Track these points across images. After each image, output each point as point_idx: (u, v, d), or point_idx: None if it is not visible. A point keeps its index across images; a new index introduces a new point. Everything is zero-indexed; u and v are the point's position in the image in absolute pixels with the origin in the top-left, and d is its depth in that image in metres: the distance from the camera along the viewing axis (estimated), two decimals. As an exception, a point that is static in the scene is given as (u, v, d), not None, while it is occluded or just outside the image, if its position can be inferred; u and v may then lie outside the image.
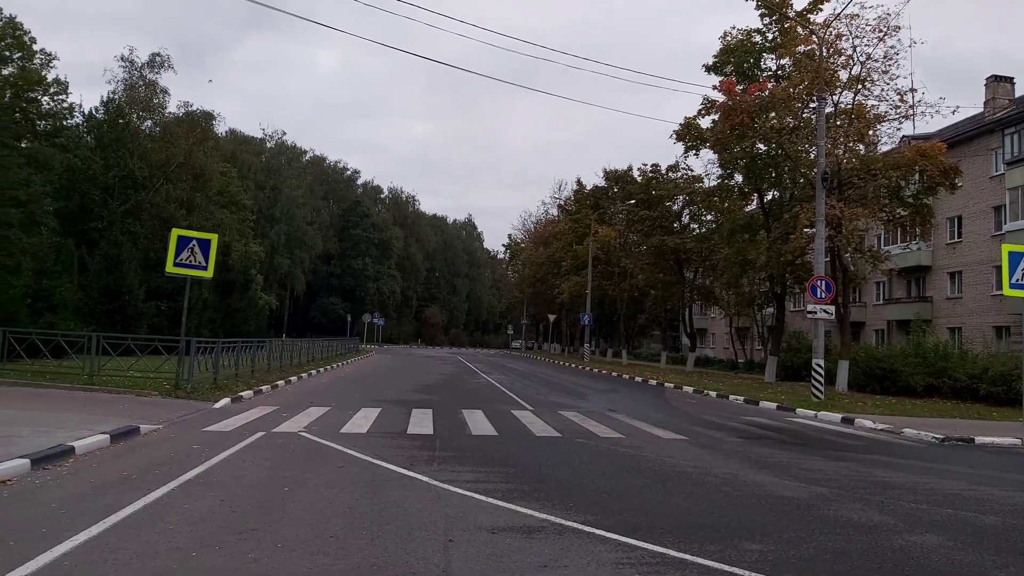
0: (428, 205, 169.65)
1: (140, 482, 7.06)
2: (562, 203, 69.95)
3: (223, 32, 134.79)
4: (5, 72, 50.16)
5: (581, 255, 51.48)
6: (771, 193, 34.11)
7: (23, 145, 48.23)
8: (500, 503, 6.87)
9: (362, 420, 12.71)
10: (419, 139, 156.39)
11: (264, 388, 17.61)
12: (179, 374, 15.64)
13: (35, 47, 53.60)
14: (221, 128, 61.91)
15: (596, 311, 53.27)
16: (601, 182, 58.47)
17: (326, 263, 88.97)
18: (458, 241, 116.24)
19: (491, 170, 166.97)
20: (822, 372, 20.84)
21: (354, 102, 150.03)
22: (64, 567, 4.60)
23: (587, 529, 6.07)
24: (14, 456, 7.35)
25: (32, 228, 42.17)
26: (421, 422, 12.89)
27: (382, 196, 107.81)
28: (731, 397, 22.36)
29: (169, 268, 15.57)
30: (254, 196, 68.90)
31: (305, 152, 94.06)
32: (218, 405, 13.99)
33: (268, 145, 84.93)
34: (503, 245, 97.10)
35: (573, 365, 44.95)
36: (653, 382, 28.97)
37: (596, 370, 38.63)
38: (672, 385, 27.11)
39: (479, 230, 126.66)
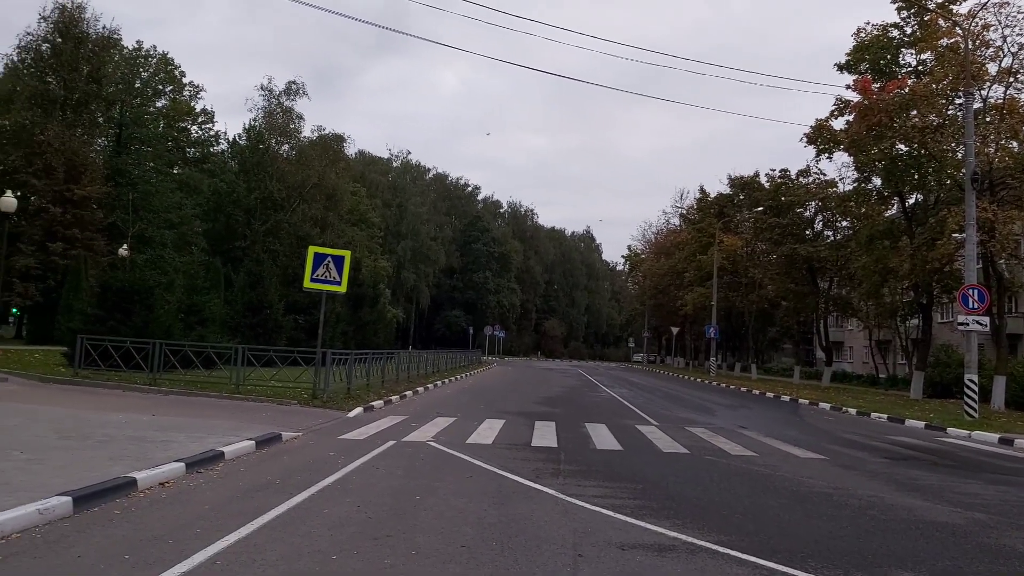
0: (546, 218, 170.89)
1: (283, 487, 7.43)
2: (684, 212, 68.40)
3: (353, 58, 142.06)
4: (159, 104, 55.03)
5: (705, 265, 50.08)
6: (914, 196, 31.95)
7: (175, 171, 52.68)
8: (629, 519, 6.72)
9: (487, 431, 12.86)
10: (537, 152, 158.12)
11: (393, 398, 18.19)
12: (316, 384, 16.43)
13: (184, 80, 58.57)
14: (351, 150, 65.22)
15: (722, 323, 51.62)
16: (725, 189, 56.76)
17: (449, 277, 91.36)
18: (576, 253, 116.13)
19: (609, 181, 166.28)
20: (976, 388, 19.18)
21: (475, 119, 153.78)
22: (217, 566, 4.88)
23: (722, 550, 5.82)
24: (171, 460, 7.94)
25: (184, 248, 45.92)
26: (545, 435, 12.88)
27: (501, 210, 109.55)
28: (873, 414, 20.99)
29: (307, 284, 16.42)
30: (382, 214, 71.86)
31: (429, 170, 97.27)
32: (352, 414, 14.57)
33: (394, 164, 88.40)
34: (622, 256, 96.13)
35: (698, 380, 43.69)
36: (786, 398, 27.67)
37: (723, 385, 37.36)
38: (807, 401, 25.79)
39: (597, 242, 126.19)
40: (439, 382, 26.43)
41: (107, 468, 7.24)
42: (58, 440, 8.86)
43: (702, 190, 61.32)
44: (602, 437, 13.04)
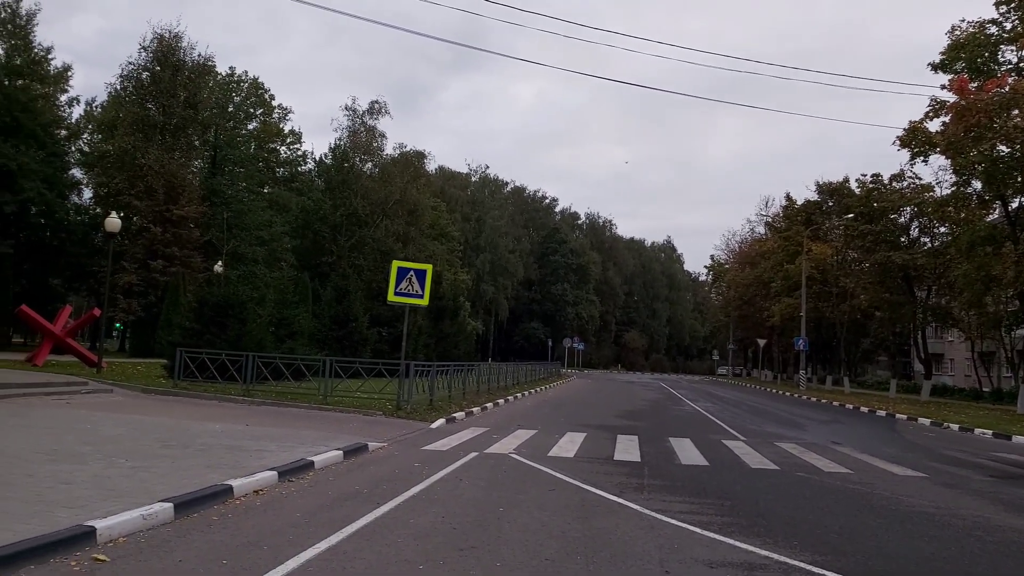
0: (625, 228, 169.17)
1: (370, 496, 7.58)
2: (770, 220, 66.61)
3: (432, 76, 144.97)
4: (250, 127, 57.59)
5: (793, 275, 48.50)
6: (1017, 200, 30.12)
7: (266, 190, 54.92)
8: (717, 536, 6.54)
9: (568, 444, 12.78)
10: (615, 163, 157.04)
11: (475, 410, 18.33)
12: (400, 396, 16.73)
13: (274, 103, 61.14)
14: (431, 166, 66.51)
15: (812, 335, 49.79)
16: (813, 196, 54.96)
17: (527, 289, 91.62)
18: (657, 264, 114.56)
19: (690, 190, 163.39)
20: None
21: (552, 131, 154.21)
22: (310, 572, 5.01)
23: (816, 571, 5.59)
24: (264, 468, 8.22)
25: (274, 263, 47.70)
26: (627, 448, 12.70)
27: (579, 222, 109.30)
28: (976, 430, 19.80)
29: (391, 297, 16.78)
30: (461, 227, 72.87)
31: (506, 184, 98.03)
32: (434, 425, 14.76)
33: (473, 179, 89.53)
34: (705, 267, 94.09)
35: (787, 393, 42.23)
36: (882, 413, 26.42)
37: (814, 399, 35.98)
38: (904, 416, 24.55)
39: (678, 252, 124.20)
40: (519, 394, 26.48)
41: (205, 476, 7.56)
42: (160, 449, 9.32)
43: (788, 197, 59.57)
44: (687, 452, 12.76)
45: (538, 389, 31.58)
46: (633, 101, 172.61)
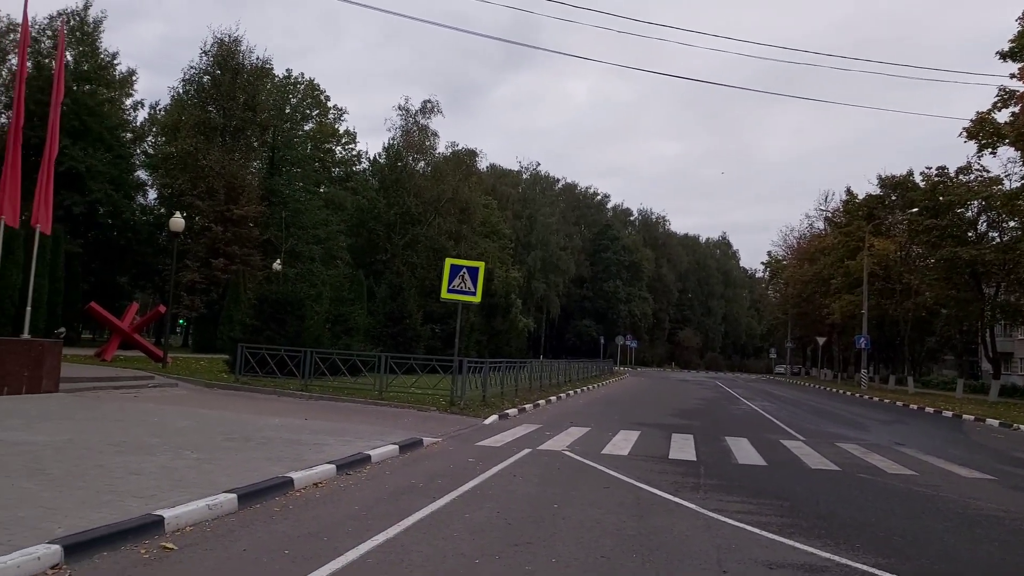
0: (679, 224, 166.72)
1: (426, 490, 7.67)
2: (829, 215, 64.80)
3: (484, 74, 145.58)
4: (307, 128, 58.77)
5: (854, 271, 47.16)
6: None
7: (321, 190, 55.99)
8: (776, 537, 6.42)
9: (622, 442, 12.70)
10: (669, 158, 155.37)
11: (527, 407, 18.36)
12: (453, 391, 16.88)
13: (329, 104, 62.26)
14: (483, 164, 66.84)
15: (874, 333, 48.33)
16: (875, 190, 53.26)
17: (579, 286, 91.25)
18: (712, 260, 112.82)
19: (746, 185, 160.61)
20: None
21: (604, 128, 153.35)
22: (368, 564, 5.10)
23: (879, 573, 5.46)
24: (323, 462, 8.39)
25: (330, 261, 48.59)
26: (682, 447, 12.56)
27: (632, 218, 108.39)
28: (1051, 433, 18.96)
29: (444, 294, 16.93)
30: (512, 225, 73.06)
31: (558, 181, 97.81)
32: (487, 421, 14.85)
33: (524, 176, 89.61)
34: (762, 263, 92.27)
35: (848, 393, 41.12)
36: (948, 413, 25.52)
37: (876, 399, 34.96)
38: (971, 417, 23.67)
39: (734, 248, 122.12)
40: (571, 392, 26.41)
41: (267, 468, 7.77)
42: (224, 441, 9.60)
43: (849, 192, 57.82)
44: (744, 451, 12.55)
45: (590, 387, 31.45)
46: (688, 95, 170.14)
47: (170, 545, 5.18)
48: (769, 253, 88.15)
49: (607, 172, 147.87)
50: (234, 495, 6.41)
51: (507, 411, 16.47)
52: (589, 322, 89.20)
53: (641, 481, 8.87)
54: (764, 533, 6.54)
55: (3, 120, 34.21)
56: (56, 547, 4.58)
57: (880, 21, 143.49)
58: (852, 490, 9.21)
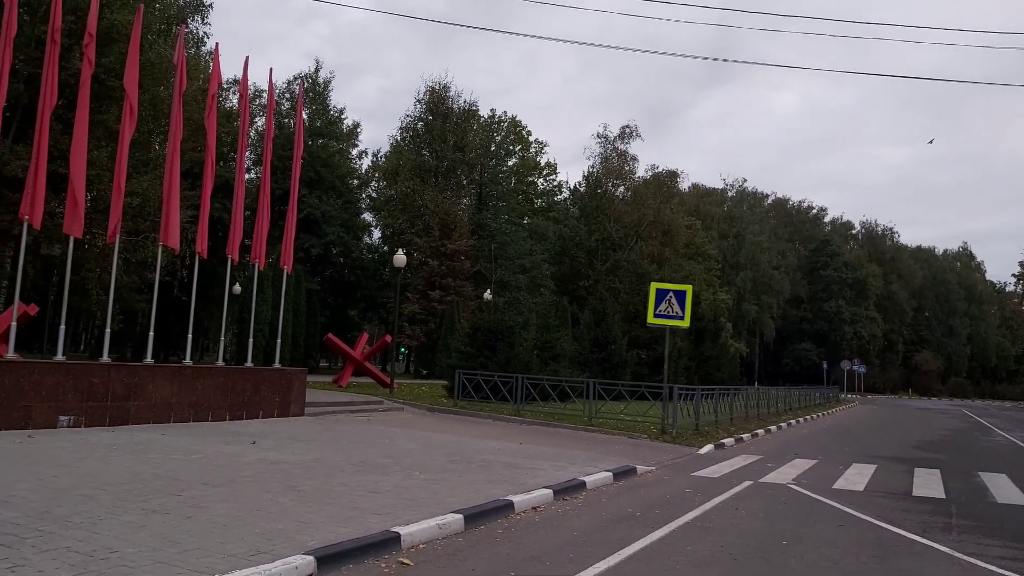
0: (909, 237, 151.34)
1: (644, 520, 7.52)
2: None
3: (684, 94, 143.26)
4: (510, 163, 61.26)
5: None
6: None
7: (525, 221, 57.95)
8: (1059, 593, 5.51)
9: (856, 476, 11.65)
10: (894, 165, 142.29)
11: (744, 436, 17.49)
12: (664, 419, 16.51)
13: (531, 139, 64.51)
14: (684, 184, 65.58)
15: None
16: None
17: (795, 307, 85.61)
18: (951, 274, 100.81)
19: (990, 189, 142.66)
20: None
21: (817, 137, 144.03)
22: (591, 591, 5.08)
23: None
24: (540, 486, 8.54)
25: (535, 290, 50.01)
26: (928, 483, 11.26)
27: (853, 232, 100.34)
28: None
29: (650, 319, 16.69)
30: (718, 245, 70.60)
31: (767, 196, 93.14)
32: (702, 451, 14.33)
33: (729, 194, 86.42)
34: (1013, 275, 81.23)
35: None
36: None
37: None
38: None
39: (978, 259, 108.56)
40: (791, 421, 24.77)
41: (488, 490, 8.05)
42: (447, 463, 10.11)
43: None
44: (1004, 489, 11.00)
45: (814, 416, 29.32)
46: (914, 95, 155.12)
47: (407, 561, 5.50)
48: (1021, 264, 77.36)
49: (821, 184, 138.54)
50: (460, 515, 6.70)
51: (723, 440, 15.79)
52: (808, 345, 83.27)
53: (881, 519, 8.07)
54: (1043, 587, 5.65)
55: (252, 176, 39.29)
56: (310, 558, 5.04)
57: None
58: None
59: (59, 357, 12.34)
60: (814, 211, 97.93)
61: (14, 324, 12.20)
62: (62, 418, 11.49)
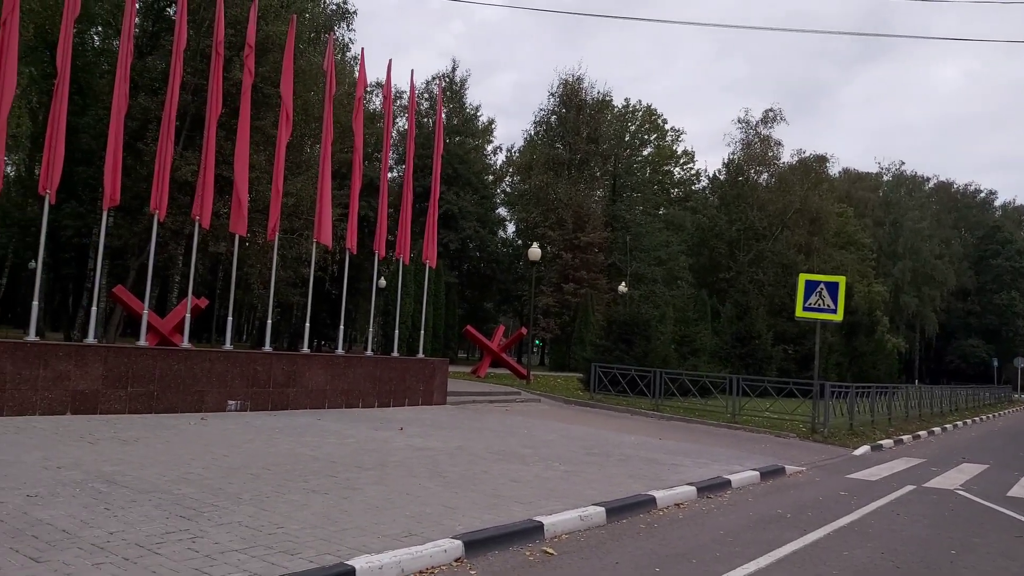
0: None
1: (795, 522, 7.18)
2: None
3: (833, 73, 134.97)
4: (645, 152, 60.28)
5: None
6: None
7: (661, 212, 56.85)
8: None
9: (1036, 484, 10.58)
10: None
11: (904, 438, 16.32)
12: (814, 417, 15.69)
13: (666, 127, 63.13)
14: (834, 169, 61.90)
15: None
16: None
17: (961, 300, 78.65)
18: None
19: None
20: None
21: (985, 113, 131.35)
22: (741, 593, 4.91)
23: None
24: (683, 483, 8.35)
25: (672, 282, 49.00)
26: None
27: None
28: None
29: (799, 313, 15.89)
30: (872, 233, 66.22)
31: (927, 180, 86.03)
32: (857, 452, 13.51)
33: (884, 179, 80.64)
34: None
35: None
36: None
37: None
38: None
39: None
40: (958, 423, 22.86)
41: (629, 485, 7.97)
42: (585, 456, 10.11)
43: None
44: None
45: (983, 417, 26.94)
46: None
47: (550, 550, 5.55)
48: None
49: (991, 166, 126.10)
50: (602, 508, 6.67)
51: (880, 442, 14.80)
52: (976, 341, 76.29)
53: (1070, 534, 7.27)
54: None
55: (394, 174, 40.94)
56: (458, 543, 5.20)
57: None
58: None
59: (227, 347, 13.44)
60: (982, 195, 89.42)
61: (188, 316, 13.39)
62: (231, 402, 12.50)
